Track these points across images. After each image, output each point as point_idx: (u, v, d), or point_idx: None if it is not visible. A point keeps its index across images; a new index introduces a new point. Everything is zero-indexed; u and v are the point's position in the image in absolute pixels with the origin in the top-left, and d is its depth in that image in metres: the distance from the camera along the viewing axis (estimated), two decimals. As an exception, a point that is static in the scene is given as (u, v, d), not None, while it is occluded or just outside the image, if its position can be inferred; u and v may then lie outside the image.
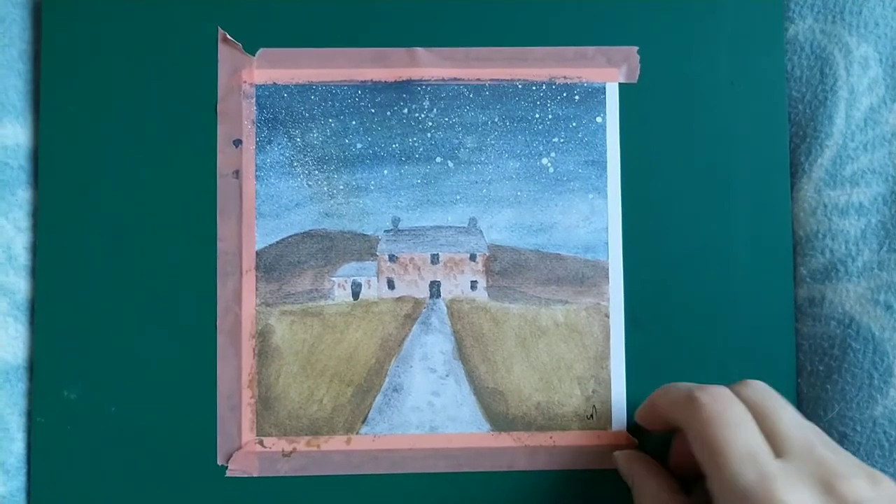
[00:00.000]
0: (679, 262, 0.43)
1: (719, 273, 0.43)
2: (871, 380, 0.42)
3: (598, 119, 0.44)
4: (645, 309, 0.43)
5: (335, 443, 0.42)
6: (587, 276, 0.43)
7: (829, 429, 0.42)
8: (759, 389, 0.36)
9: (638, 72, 0.44)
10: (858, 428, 0.41)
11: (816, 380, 0.43)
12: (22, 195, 0.43)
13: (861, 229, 0.43)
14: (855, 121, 0.43)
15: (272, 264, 0.43)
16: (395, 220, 0.43)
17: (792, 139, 0.44)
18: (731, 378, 0.42)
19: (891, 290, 0.42)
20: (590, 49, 0.44)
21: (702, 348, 0.43)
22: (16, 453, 0.42)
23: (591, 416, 0.43)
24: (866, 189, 0.43)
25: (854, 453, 0.41)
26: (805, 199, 0.43)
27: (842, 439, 0.42)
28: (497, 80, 0.44)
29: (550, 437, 0.43)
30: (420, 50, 0.43)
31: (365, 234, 0.43)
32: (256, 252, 0.43)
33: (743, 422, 0.34)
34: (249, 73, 0.43)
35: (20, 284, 0.42)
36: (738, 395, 0.36)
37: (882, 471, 0.40)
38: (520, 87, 0.44)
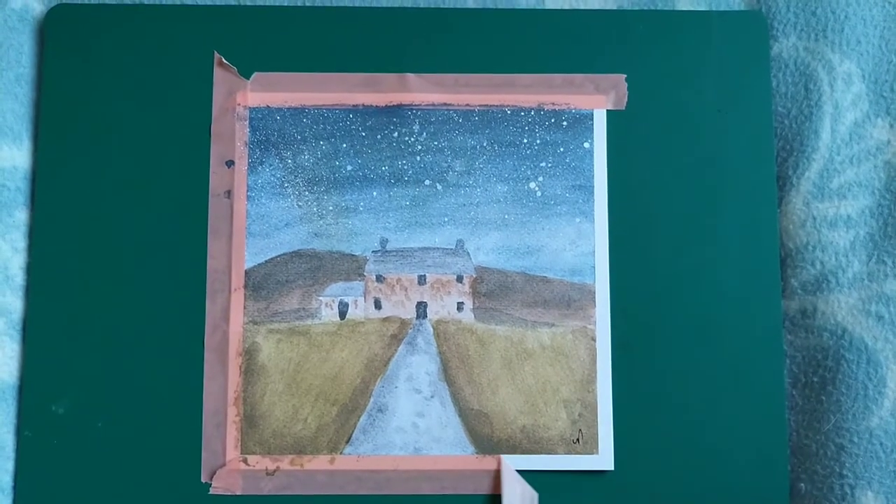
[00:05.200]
0: (666, 286, 0.43)
1: (707, 296, 0.43)
2: (866, 391, 0.41)
3: (586, 144, 0.44)
4: (632, 332, 0.43)
5: (319, 462, 0.42)
6: (574, 299, 0.43)
7: (826, 441, 0.42)
8: None
9: (626, 99, 0.44)
10: (855, 439, 0.41)
11: (811, 392, 0.43)
12: (19, 216, 0.43)
13: (850, 241, 0.43)
14: (840, 135, 0.44)
15: (261, 283, 0.43)
16: (383, 241, 0.44)
17: (779, 153, 0.44)
18: (720, 398, 0.42)
19: (881, 301, 0.42)
20: (578, 76, 0.45)
21: (690, 371, 0.43)
22: (11, 472, 0.42)
23: (578, 440, 0.42)
24: (853, 202, 0.43)
25: (852, 465, 0.41)
26: (794, 212, 0.44)
27: (839, 451, 0.41)
28: (486, 105, 0.44)
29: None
30: (411, 76, 0.44)
31: (353, 255, 0.44)
32: (245, 271, 0.43)
33: None
34: (243, 96, 0.44)
35: (16, 304, 0.43)
36: None
37: (879, 483, 0.40)
38: (508, 112, 0.44)
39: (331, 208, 0.44)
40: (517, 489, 0.41)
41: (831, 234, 0.43)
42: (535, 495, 0.42)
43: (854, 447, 0.41)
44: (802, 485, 0.42)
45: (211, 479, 0.42)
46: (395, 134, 0.44)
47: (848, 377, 0.42)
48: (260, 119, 0.44)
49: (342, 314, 0.43)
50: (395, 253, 0.44)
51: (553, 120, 0.44)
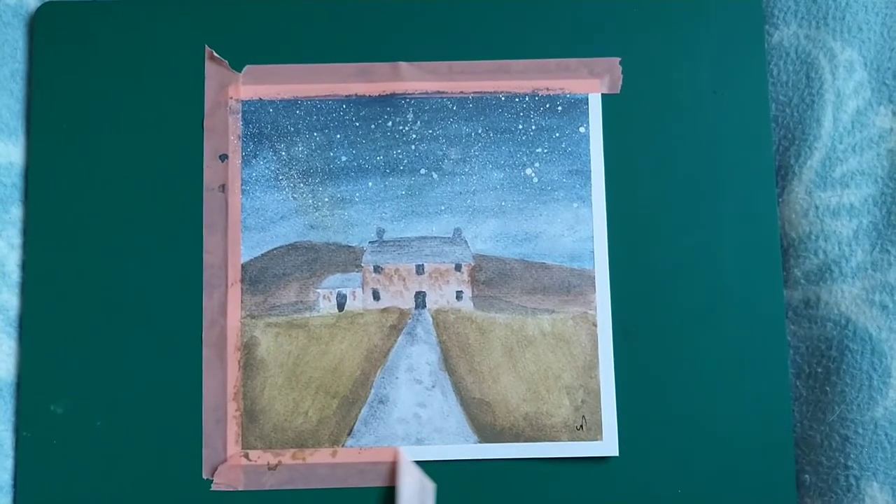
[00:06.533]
0: (666, 268, 0.43)
1: (707, 279, 0.43)
2: (871, 381, 0.41)
3: (582, 129, 0.44)
4: (633, 316, 0.43)
5: (321, 455, 0.42)
6: (573, 285, 0.43)
7: (830, 432, 0.41)
8: None
9: (620, 82, 0.44)
10: (860, 430, 0.41)
11: (815, 382, 0.42)
12: (15, 213, 0.43)
13: (853, 230, 0.42)
14: (842, 123, 0.43)
15: (257, 277, 0.43)
16: (380, 232, 0.43)
17: (781, 142, 0.44)
18: (724, 388, 0.42)
19: (885, 290, 0.41)
20: (572, 61, 0.44)
21: (692, 354, 0.42)
22: (10, 470, 0.42)
23: (581, 426, 0.42)
24: (856, 190, 0.43)
25: (857, 456, 0.41)
26: (796, 201, 0.43)
27: (844, 443, 0.41)
28: (480, 92, 0.44)
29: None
30: (403, 64, 0.44)
31: (350, 246, 0.43)
32: (242, 265, 0.43)
33: None
34: (235, 90, 0.44)
35: (13, 301, 0.43)
36: None
37: (885, 474, 0.40)
38: (503, 99, 0.44)
39: (326, 200, 0.43)
40: (417, 479, 0.41)
41: (834, 223, 0.43)
42: (432, 486, 0.41)
43: (859, 438, 0.41)
44: (807, 476, 0.42)
45: (212, 475, 0.42)
46: (390, 123, 0.44)
47: (852, 367, 0.41)
48: (253, 112, 0.44)
49: (340, 306, 0.43)
50: (392, 243, 0.43)
51: (548, 105, 0.44)
